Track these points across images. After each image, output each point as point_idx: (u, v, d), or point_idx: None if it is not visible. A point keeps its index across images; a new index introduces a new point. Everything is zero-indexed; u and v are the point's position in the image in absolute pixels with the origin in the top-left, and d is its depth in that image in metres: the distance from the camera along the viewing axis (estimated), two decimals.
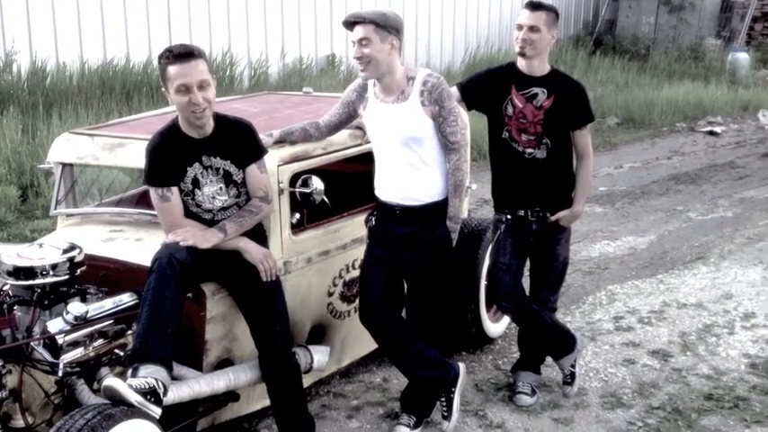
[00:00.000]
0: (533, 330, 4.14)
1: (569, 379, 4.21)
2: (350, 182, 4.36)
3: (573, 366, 4.21)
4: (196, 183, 3.35)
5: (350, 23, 3.52)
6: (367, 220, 3.75)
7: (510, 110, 3.85)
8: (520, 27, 3.82)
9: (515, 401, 4.11)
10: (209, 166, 3.34)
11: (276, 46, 12.12)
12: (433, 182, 3.57)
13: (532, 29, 3.78)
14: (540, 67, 3.85)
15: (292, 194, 3.68)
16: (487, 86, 3.93)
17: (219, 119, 3.38)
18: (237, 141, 3.37)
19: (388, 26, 3.47)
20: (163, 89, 3.34)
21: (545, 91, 3.82)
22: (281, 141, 3.73)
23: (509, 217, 3.96)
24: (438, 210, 3.59)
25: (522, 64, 3.86)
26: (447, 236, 3.59)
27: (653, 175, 9.48)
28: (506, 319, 4.73)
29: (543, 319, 4.09)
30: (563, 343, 4.16)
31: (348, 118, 3.80)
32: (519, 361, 4.27)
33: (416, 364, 3.74)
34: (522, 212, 3.93)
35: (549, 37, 3.81)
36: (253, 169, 3.39)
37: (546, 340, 4.17)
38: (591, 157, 3.95)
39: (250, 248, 3.34)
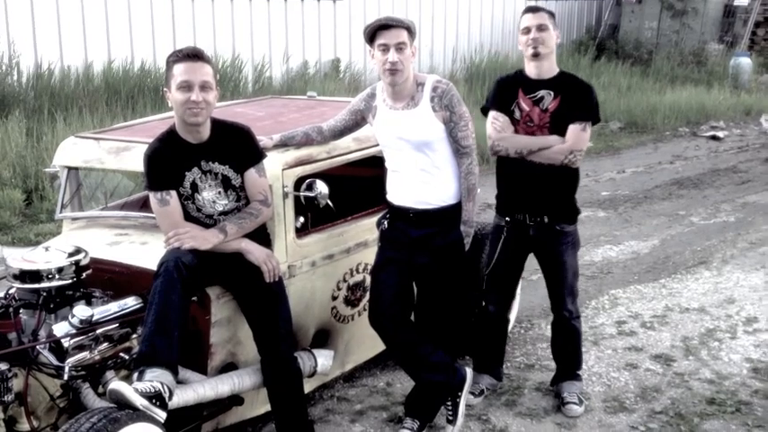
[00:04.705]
0: (491, 330, 4.25)
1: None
2: (354, 186, 4.37)
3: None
4: (195, 187, 3.37)
5: (383, 27, 3.44)
6: (379, 223, 3.75)
7: (517, 113, 3.87)
8: (527, 30, 3.82)
9: (565, 412, 4.05)
10: (207, 170, 3.36)
11: (280, 50, 12.14)
12: (446, 186, 3.58)
13: (540, 27, 3.80)
14: (549, 70, 3.86)
15: (297, 198, 3.69)
16: (499, 95, 3.94)
17: (217, 124, 3.39)
18: (235, 146, 3.39)
19: (413, 33, 3.50)
20: (164, 89, 3.35)
21: (551, 93, 3.83)
22: (282, 145, 3.74)
23: (508, 219, 3.98)
24: (451, 213, 3.60)
25: (530, 69, 3.87)
26: (460, 240, 3.61)
27: (655, 180, 9.48)
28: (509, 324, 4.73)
29: (499, 328, 4.23)
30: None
31: (354, 125, 3.81)
32: (557, 373, 4.25)
33: (423, 367, 3.74)
34: (520, 216, 3.94)
35: (555, 35, 3.85)
36: (251, 173, 3.40)
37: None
38: (575, 146, 3.78)
39: (252, 249, 3.36)
